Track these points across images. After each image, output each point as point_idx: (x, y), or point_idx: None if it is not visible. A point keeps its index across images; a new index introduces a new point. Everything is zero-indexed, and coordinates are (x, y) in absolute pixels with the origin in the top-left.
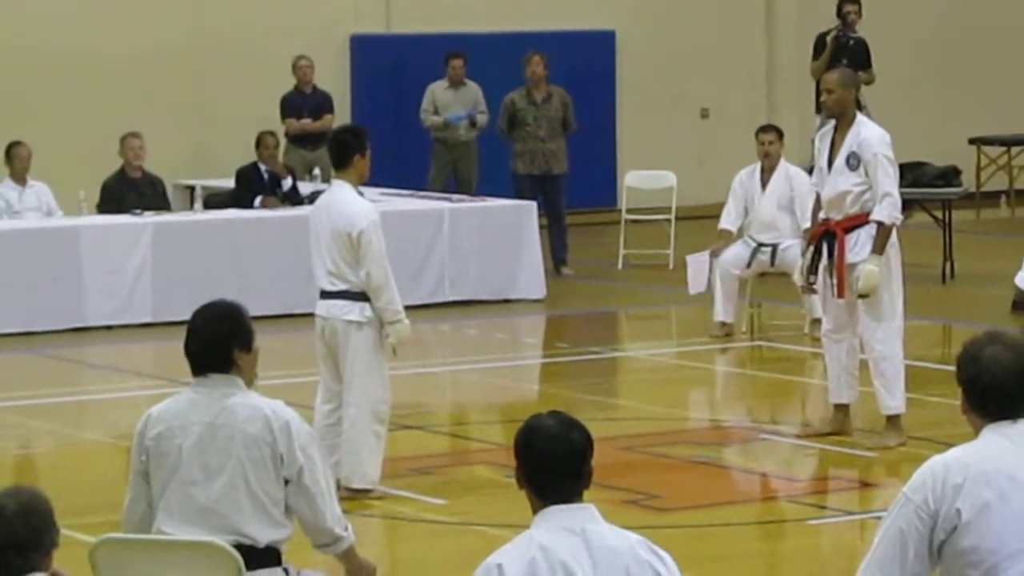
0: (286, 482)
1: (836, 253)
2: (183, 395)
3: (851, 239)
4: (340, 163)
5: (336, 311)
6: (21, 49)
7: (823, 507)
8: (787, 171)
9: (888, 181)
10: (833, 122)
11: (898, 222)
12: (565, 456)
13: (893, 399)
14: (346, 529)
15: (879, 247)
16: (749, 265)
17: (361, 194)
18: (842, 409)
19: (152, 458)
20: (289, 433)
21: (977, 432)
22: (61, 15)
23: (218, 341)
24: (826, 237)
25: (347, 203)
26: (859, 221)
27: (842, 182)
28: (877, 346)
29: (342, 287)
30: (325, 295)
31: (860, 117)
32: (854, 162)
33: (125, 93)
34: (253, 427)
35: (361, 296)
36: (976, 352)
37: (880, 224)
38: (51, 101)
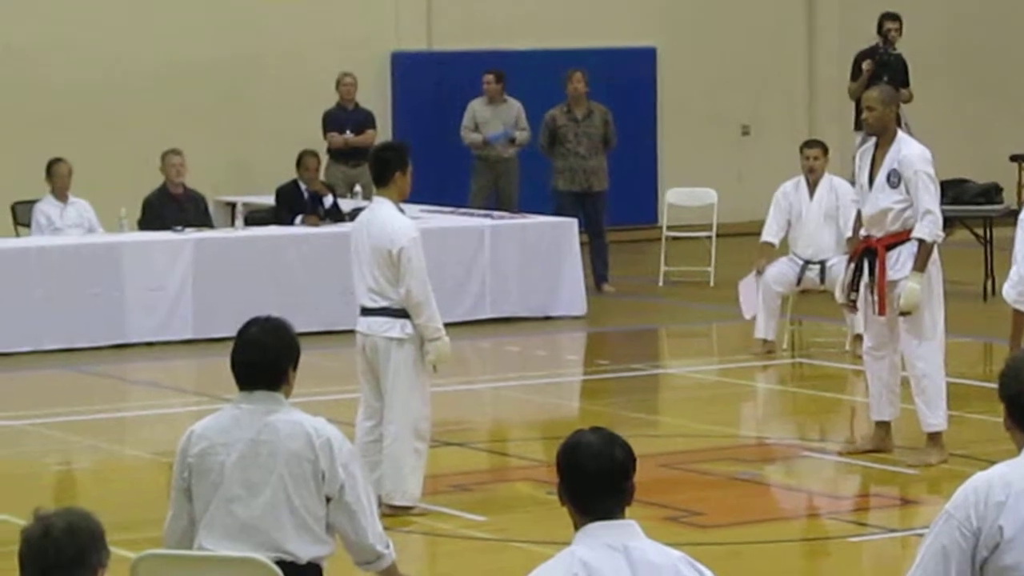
0: (328, 499)
1: (877, 270)
2: (225, 411)
3: (892, 256)
4: (381, 180)
5: (377, 328)
6: (63, 67)
7: (865, 524)
8: (831, 182)
9: (929, 198)
10: (874, 139)
11: (939, 239)
12: (607, 472)
13: (935, 416)
14: (388, 547)
15: (920, 264)
16: (798, 283)
17: (402, 211)
18: (883, 426)
19: (194, 475)
20: (331, 450)
21: (1020, 448)
22: (102, 32)
23: (271, 357)
24: (867, 254)
25: (388, 220)
26: (900, 238)
27: (883, 199)
28: (919, 363)
29: (383, 304)
30: (366, 312)
31: (900, 134)
32: (895, 179)
33: (166, 110)
34: (295, 444)
35: (402, 313)
36: (1018, 368)
37: (921, 241)
38: (92, 118)
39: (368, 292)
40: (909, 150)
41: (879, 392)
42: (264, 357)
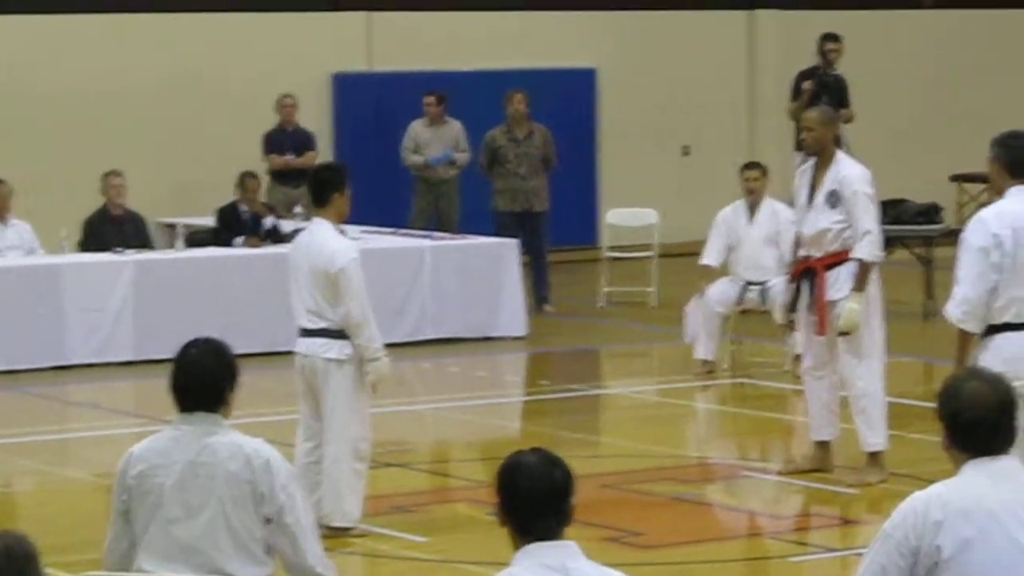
0: (267, 520)
1: (817, 290)
2: (165, 433)
3: (832, 276)
4: (320, 201)
5: (316, 349)
6: (2, 87)
7: (805, 544)
8: (772, 207)
9: (868, 218)
10: (813, 160)
11: (879, 259)
12: (547, 493)
13: (874, 436)
14: (328, 568)
15: (860, 284)
16: (739, 303)
17: (342, 232)
18: (823, 446)
19: (134, 497)
20: (270, 471)
21: (958, 468)
22: (42, 54)
23: (210, 379)
24: (806, 274)
25: (326, 241)
26: (840, 258)
27: (822, 220)
28: (858, 383)
29: (322, 325)
30: (305, 333)
31: (839, 154)
32: (834, 200)
33: (107, 131)
34: (234, 465)
35: (341, 334)
36: (957, 388)
37: (861, 261)
38: (33, 139)
39: (307, 313)
40: (848, 170)
41: (818, 412)
42: (203, 379)
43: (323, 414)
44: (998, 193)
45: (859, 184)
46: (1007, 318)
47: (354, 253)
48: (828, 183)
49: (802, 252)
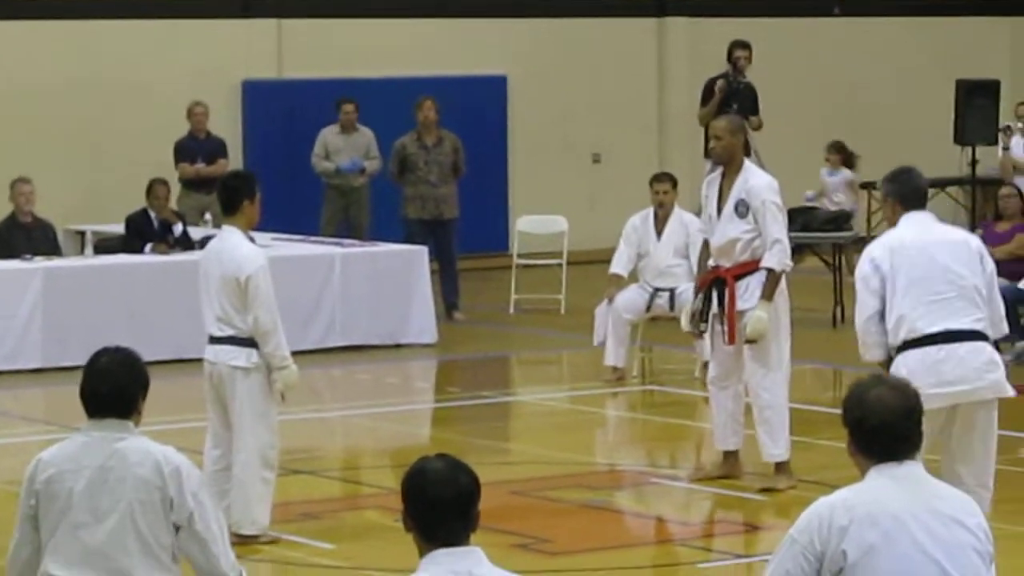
0: (177, 528)
1: (727, 300)
2: (74, 439)
3: (741, 286)
4: (229, 209)
5: (224, 356)
6: None
7: (712, 550)
8: (682, 218)
9: (777, 228)
10: (720, 169)
11: (788, 269)
12: (452, 498)
13: (776, 447)
14: (240, 574)
15: (768, 294)
16: (648, 310)
17: (251, 239)
18: (731, 454)
19: (42, 502)
20: (180, 478)
21: (863, 474)
22: None
23: (121, 387)
24: (716, 284)
25: (236, 248)
26: (749, 268)
27: (731, 229)
28: (764, 394)
29: (230, 332)
30: (213, 340)
31: (747, 164)
32: (743, 209)
33: (15, 137)
34: (143, 470)
35: (249, 342)
36: (862, 394)
37: (770, 271)
38: None
39: (216, 321)
40: (756, 180)
41: (724, 422)
42: (114, 387)
43: (231, 422)
44: (892, 227)
45: (767, 193)
46: (902, 336)
47: (263, 260)
48: (736, 193)
49: (711, 262)
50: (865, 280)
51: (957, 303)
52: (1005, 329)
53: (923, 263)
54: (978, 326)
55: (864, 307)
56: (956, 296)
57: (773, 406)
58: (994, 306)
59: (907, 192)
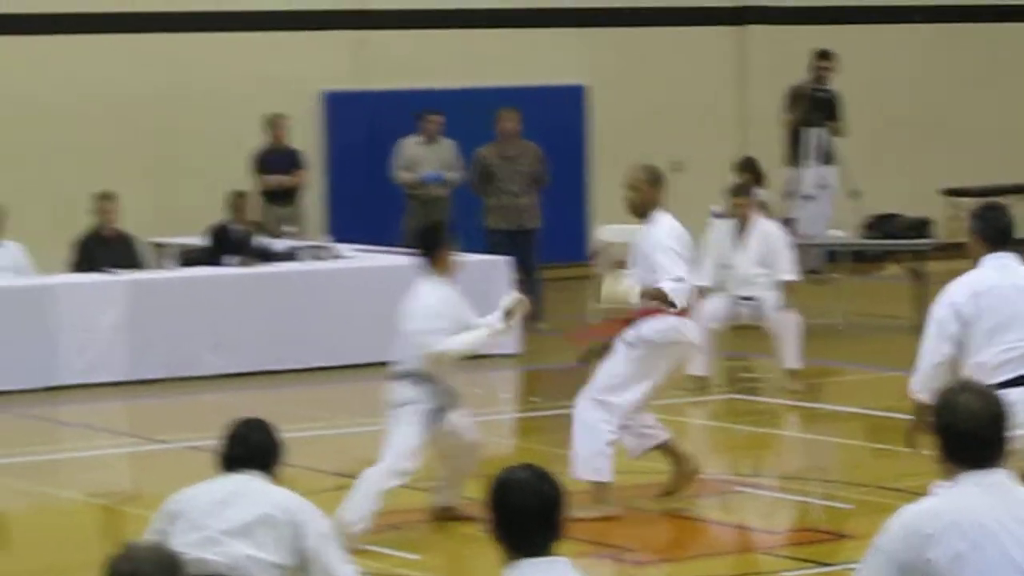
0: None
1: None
2: (210, 481)
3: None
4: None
5: None
6: None
7: (798, 559)
8: (762, 227)
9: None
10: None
11: (679, 305)
12: (538, 508)
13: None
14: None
15: (651, 293)
16: (731, 318)
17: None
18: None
19: (171, 522)
20: (305, 516)
21: (951, 481)
22: (33, 74)
23: (265, 453)
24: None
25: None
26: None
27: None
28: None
29: None
30: None
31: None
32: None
33: (98, 151)
34: (277, 497)
35: None
36: (950, 400)
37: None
38: (23, 160)
39: None
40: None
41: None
42: (253, 454)
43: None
44: (976, 262)
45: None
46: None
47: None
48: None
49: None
50: (942, 324)
51: None
52: None
53: (1006, 310)
54: None
55: (935, 353)
56: None
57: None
58: None
59: (993, 231)
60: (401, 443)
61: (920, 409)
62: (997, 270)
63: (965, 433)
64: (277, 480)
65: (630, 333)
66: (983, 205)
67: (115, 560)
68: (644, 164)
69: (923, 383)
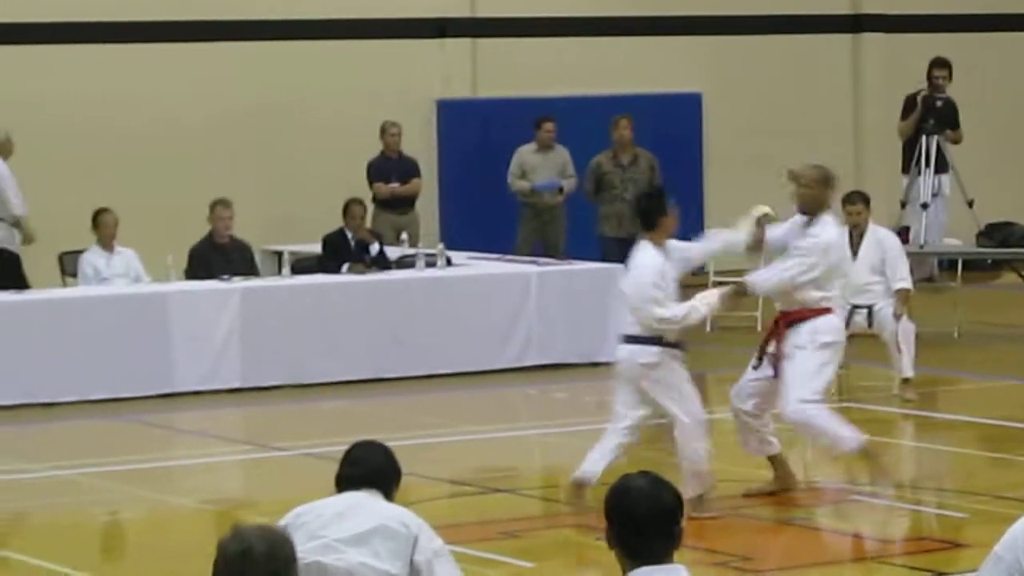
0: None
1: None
2: (329, 497)
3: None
4: (647, 226)
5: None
6: (108, 117)
7: (915, 568)
8: (877, 235)
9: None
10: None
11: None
12: (656, 515)
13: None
14: None
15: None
16: (846, 327)
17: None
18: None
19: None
20: (421, 528)
21: None
22: (147, 82)
23: (383, 475)
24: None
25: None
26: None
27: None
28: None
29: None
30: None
31: (822, 217)
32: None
33: (211, 159)
34: (395, 511)
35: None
36: None
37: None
38: (138, 167)
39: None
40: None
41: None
42: (370, 475)
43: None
44: None
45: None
46: None
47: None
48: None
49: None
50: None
51: None
52: None
53: None
54: None
55: None
56: None
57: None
58: None
59: None
60: (683, 394)
61: None
62: None
63: None
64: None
65: (809, 336)
66: None
67: (225, 540)
68: (815, 164)
69: None
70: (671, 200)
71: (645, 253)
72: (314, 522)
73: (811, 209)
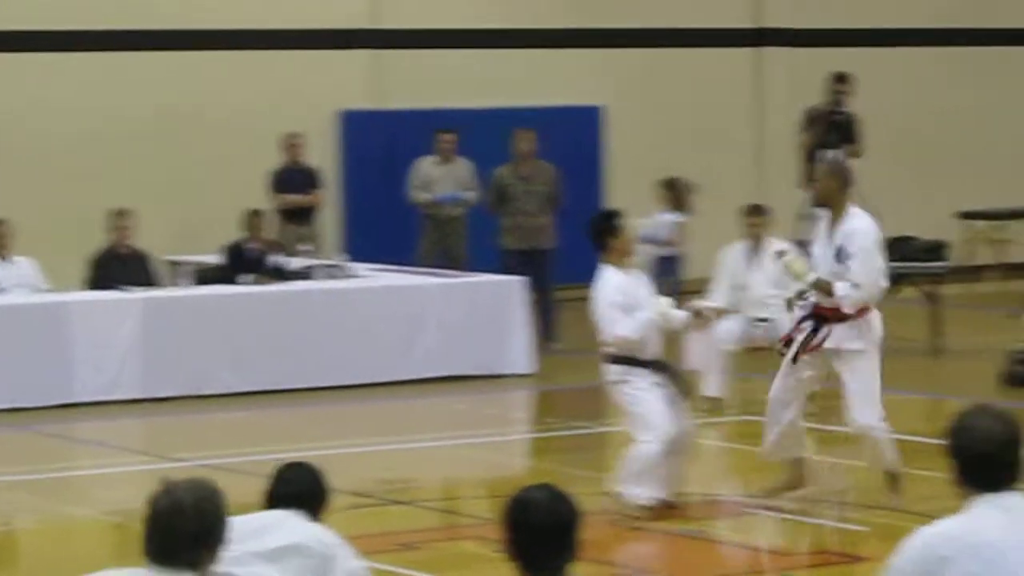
0: None
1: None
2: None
3: (840, 326)
4: (599, 249)
5: None
6: (8, 125)
7: None
8: (776, 248)
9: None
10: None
11: (850, 309)
12: (553, 527)
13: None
14: None
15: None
16: (746, 340)
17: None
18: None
19: None
20: (338, 550)
21: (967, 503)
22: (46, 90)
23: (313, 498)
24: (818, 319)
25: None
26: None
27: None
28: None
29: None
30: None
31: (852, 209)
32: (842, 255)
33: (113, 168)
34: (318, 534)
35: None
36: (965, 423)
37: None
38: (39, 176)
39: None
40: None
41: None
42: (300, 496)
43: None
44: None
45: (863, 239)
46: None
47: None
48: (838, 238)
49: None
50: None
51: None
52: None
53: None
54: None
55: None
56: None
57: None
58: None
59: (975, 462)
60: (639, 415)
61: None
62: (993, 516)
63: (981, 456)
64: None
65: (860, 341)
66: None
67: (155, 494)
68: (832, 160)
69: None
70: (620, 220)
71: (602, 275)
72: (232, 532)
73: (822, 203)
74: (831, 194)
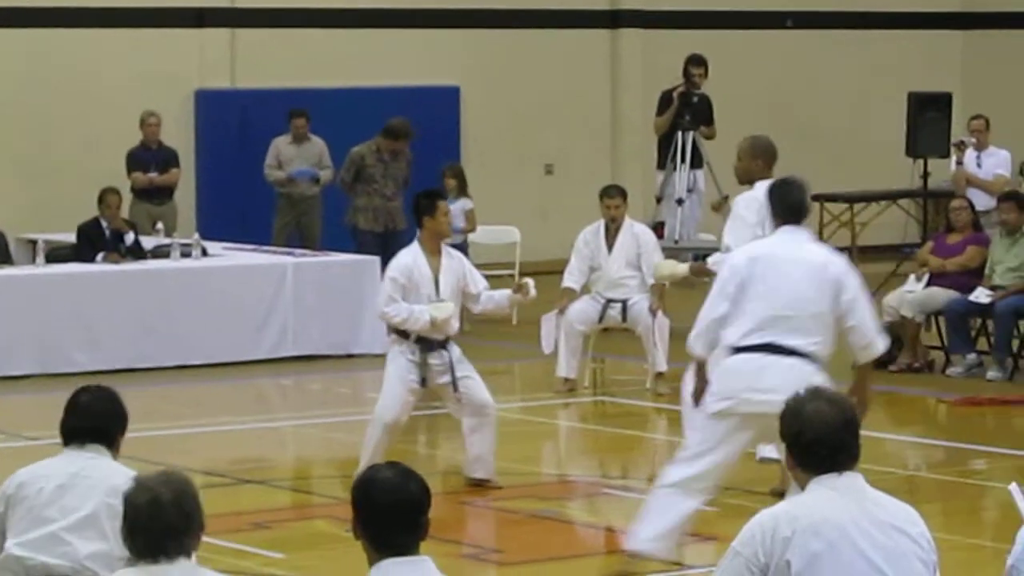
0: None
1: None
2: (52, 458)
3: None
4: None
5: None
6: None
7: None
8: (633, 229)
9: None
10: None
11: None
12: (402, 507)
13: None
14: None
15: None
16: (600, 321)
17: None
18: None
19: (11, 506)
20: None
21: (803, 487)
22: None
23: (103, 424)
24: None
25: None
26: None
27: None
28: None
29: None
30: None
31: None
32: None
33: None
34: (117, 480)
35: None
36: (798, 408)
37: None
38: None
39: None
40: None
41: None
42: (94, 424)
43: None
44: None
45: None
46: (736, 340)
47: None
48: None
49: None
50: (723, 283)
51: (795, 322)
52: (879, 348)
53: (777, 279)
54: (810, 348)
55: (714, 308)
56: (796, 316)
57: None
58: (860, 328)
59: (782, 206)
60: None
61: (700, 364)
62: (782, 242)
63: (815, 439)
64: (119, 453)
65: None
66: (777, 180)
67: (131, 491)
68: (755, 136)
69: (699, 339)
70: (436, 201)
71: (402, 251)
72: (35, 498)
73: (743, 179)
74: (754, 172)
